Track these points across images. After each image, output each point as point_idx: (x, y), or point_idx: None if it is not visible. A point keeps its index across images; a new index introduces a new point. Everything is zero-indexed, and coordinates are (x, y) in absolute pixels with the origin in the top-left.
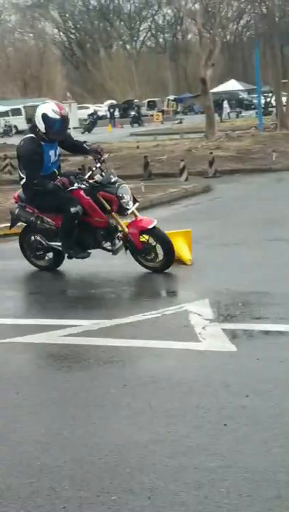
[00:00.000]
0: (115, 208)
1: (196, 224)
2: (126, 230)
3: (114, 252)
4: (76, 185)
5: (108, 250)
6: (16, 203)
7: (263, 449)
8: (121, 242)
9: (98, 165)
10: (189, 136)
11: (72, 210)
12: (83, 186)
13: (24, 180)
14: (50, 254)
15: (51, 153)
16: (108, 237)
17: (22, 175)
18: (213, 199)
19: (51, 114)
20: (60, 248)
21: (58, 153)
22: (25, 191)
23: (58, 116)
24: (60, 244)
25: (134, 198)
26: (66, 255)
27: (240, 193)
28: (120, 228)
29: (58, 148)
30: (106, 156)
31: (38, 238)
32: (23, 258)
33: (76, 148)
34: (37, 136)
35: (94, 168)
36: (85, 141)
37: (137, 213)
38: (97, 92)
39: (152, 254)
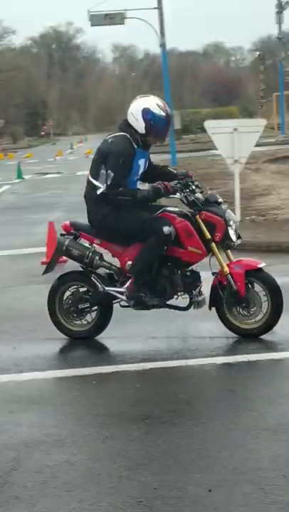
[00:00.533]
0: (219, 236)
1: None
2: (226, 269)
3: (197, 305)
4: (178, 195)
5: (179, 308)
6: (66, 233)
7: None
8: (204, 294)
9: (193, 187)
10: None
11: (166, 230)
12: (179, 195)
13: (102, 189)
14: (94, 313)
15: (141, 163)
16: (193, 283)
17: (98, 183)
18: None
19: (156, 110)
20: (122, 296)
21: (145, 167)
22: (101, 203)
23: (163, 114)
24: (122, 290)
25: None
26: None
27: None
28: (220, 267)
29: (147, 162)
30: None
31: (91, 282)
32: None
33: (158, 172)
34: (131, 136)
35: (191, 187)
36: (166, 165)
37: (231, 255)
38: None
39: (254, 307)
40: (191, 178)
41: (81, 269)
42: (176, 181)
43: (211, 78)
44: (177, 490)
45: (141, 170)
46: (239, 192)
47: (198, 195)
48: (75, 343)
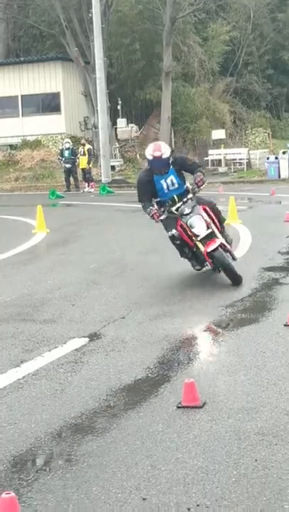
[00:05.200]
0: (192, 234)
1: None
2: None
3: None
4: (163, 216)
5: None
6: None
7: None
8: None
9: (189, 196)
10: None
11: (169, 233)
12: (163, 217)
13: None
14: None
15: (162, 182)
16: (198, 257)
17: None
18: None
19: (148, 156)
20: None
21: (173, 180)
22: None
23: (150, 157)
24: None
25: (213, 223)
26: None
27: None
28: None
29: (177, 177)
30: (202, 187)
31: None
32: None
33: (191, 171)
34: (148, 171)
35: (184, 200)
36: (200, 166)
37: (217, 235)
38: None
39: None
40: (197, 186)
41: None
42: (162, 208)
43: None
44: None
45: (165, 186)
46: None
47: (175, 208)
48: None
